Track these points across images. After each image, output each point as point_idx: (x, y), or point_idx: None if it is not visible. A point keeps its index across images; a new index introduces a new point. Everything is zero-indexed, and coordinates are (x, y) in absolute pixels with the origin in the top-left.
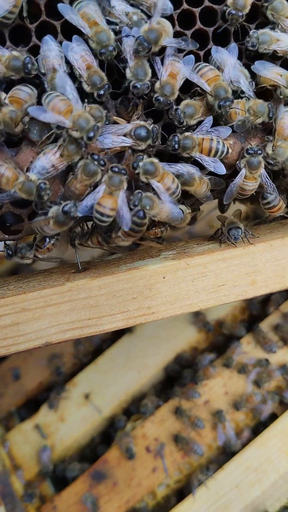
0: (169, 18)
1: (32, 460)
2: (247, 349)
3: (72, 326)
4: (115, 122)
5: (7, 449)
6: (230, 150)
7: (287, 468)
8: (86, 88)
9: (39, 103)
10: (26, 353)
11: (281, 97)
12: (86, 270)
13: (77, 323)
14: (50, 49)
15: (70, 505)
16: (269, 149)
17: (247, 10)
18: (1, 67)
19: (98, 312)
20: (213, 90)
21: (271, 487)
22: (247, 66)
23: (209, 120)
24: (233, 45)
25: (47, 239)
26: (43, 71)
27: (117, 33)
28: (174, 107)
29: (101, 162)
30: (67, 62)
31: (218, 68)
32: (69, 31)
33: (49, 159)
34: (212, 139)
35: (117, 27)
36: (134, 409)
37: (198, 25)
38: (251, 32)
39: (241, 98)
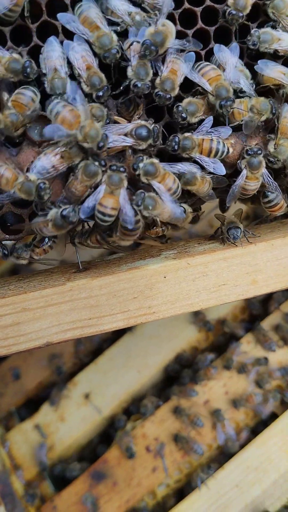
0: (171, 17)
1: (32, 460)
2: (247, 349)
3: (72, 326)
4: (115, 122)
5: (7, 449)
6: (231, 150)
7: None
8: (85, 88)
9: (41, 103)
10: (26, 353)
11: (283, 97)
12: (86, 270)
13: (78, 323)
14: (54, 49)
15: (70, 505)
16: (271, 147)
17: (247, 11)
18: (0, 68)
19: (98, 311)
20: (214, 89)
21: (271, 486)
22: (249, 65)
23: (209, 120)
24: (234, 45)
25: (45, 240)
26: (44, 71)
27: (119, 33)
28: (176, 104)
29: (102, 162)
30: (69, 63)
31: (219, 66)
32: (70, 31)
33: (50, 159)
34: (212, 139)
35: (118, 28)
36: (134, 409)
37: (200, 24)
38: (252, 31)
39: (240, 97)
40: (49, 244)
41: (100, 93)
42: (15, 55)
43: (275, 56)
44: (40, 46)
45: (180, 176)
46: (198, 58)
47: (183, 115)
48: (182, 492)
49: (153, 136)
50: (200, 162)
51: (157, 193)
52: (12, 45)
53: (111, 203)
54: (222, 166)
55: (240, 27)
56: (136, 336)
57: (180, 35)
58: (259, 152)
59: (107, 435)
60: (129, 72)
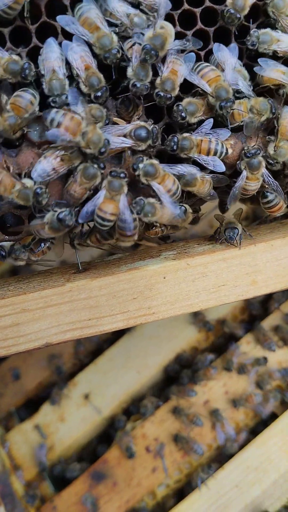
0: (170, 18)
1: (32, 460)
2: (246, 349)
3: (72, 326)
4: (114, 123)
5: (7, 449)
6: (230, 151)
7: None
8: (84, 89)
9: (41, 103)
10: (26, 353)
11: (283, 97)
12: (86, 271)
13: (77, 324)
14: (52, 51)
15: (70, 505)
16: (270, 150)
17: (245, 12)
18: None
19: (98, 312)
20: (214, 91)
21: (271, 486)
22: (248, 66)
23: (209, 122)
24: (233, 45)
25: (42, 243)
26: (42, 72)
27: (119, 33)
28: (177, 103)
29: (101, 165)
30: (67, 64)
31: (218, 66)
32: (70, 32)
33: (50, 162)
34: (210, 140)
35: (117, 29)
36: (134, 409)
37: (199, 25)
38: (252, 31)
39: (238, 98)
40: (47, 245)
41: (99, 94)
42: (14, 57)
43: (274, 57)
44: (39, 47)
45: (180, 177)
46: (198, 58)
47: (183, 114)
48: (182, 492)
49: (152, 137)
50: (199, 161)
51: (156, 194)
52: (12, 46)
53: (110, 209)
54: (222, 163)
55: (240, 28)
56: (135, 337)
57: (179, 36)
58: (258, 152)
59: (107, 435)
60: (129, 72)
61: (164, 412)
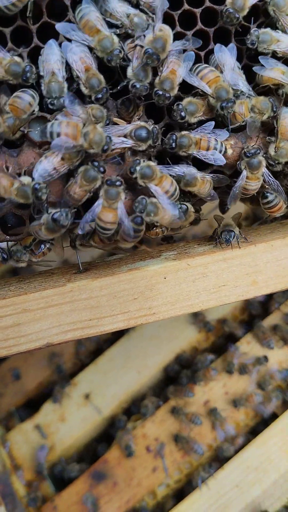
0: (171, 18)
1: (32, 460)
2: (246, 349)
3: (73, 327)
4: (114, 123)
5: (8, 449)
6: (230, 151)
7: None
8: (84, 90)
9: (41, 104)
10: (27, 353)
11: (282, 97)
12: (87, 271)
13: (78, 324)
14: (53, 53)
15: (70, 505)
16: (271, 151)
17: (245, 13)
18: (0, 70)
19: (99, 312)
20: (214, 92)
21: (271, 486)
22: (248, 67)
23: (210, 124)
24: (232, 45)
25: (42, 245)
26: (42, 73)
27: (120, 35)
28: (177, 102)
29: (101, 169)
30: (67, 66)
31: (217, 67)
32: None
33: (51, 162)
34: (209, 139)
35: (118, 30)
36: (135, 409)
37: (199, 25)
38: (252, 30)
39: (238, 97)
40: (47, 246)
41: (100, 95)
42: (16, 58)
43: (273, 58)
44: (40, 47)
45: (179, 179)
46: (198, 59)
47: (182, 113)
48: (182, 492)
49: (153, 137)
50: (199, 157)
51: (155, 197)
52: (13, 46)
53: (110, 218)
54: (221, 156)
55: (240, 28)
56: (136, 337)
57: (180, 37)
58: (258, 152)
59: (107, 435)
60: (129, 72)
61: (164, 412)
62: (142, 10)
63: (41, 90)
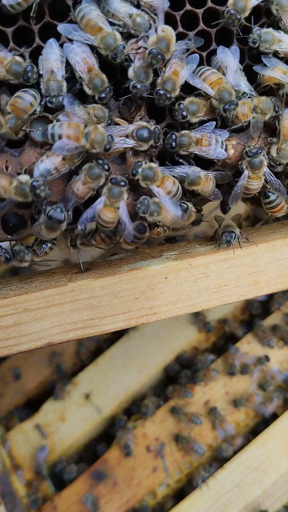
0: (173, 19)
1: (32, 460)
2: (247, 349)
3: (74, 326)
4: (116, 123)
5: (7, 449)
6: (232, 151)
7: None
8: (88, 91)
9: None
10: (27, 353)
11: (283, 97)
12: (88, 271)
13: (79, 324)
14: (53, 52)
15: (70, 505)
16: (273, 152)
17: (246, 14)
18: (1, 69)
19: (100, 312)
20: (217, 93)
21: (271, 486)
22: (250, 67)
23: (211, 124)
24: (234, 48)
25: (44, 245)
26: (41, 72)
27: (122, 33)
28: (178, 101)
29: (105, 167)
30: (68, 65)
31: (219, 68)
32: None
33: (53, 161)
34: (210, 138)
35: (121, 28)
36: (135, 409)
37: (201, 26)
38: (254, 29)
39: (241, 98)
40: (49, 246)
41: (103, 95)
42: (18, 58)
43: (275, 58)
44: (42, 47)
45: (182, 179)
46: (200, 59)
47: (184, 113)
48: (182, 492)
49: (154, 137)
50: (200, 154)
51: (157, 198)
52: (15, 46)
53: (109, 218)
54: (222, 150)
55: (242, 30)
56: (136, 337)
57: (182, 37)
58: (259, 152)
59: (107, 435)
60: (130, 73)
61: (164, 412)
62: (143, 11)
63: (40, 88)
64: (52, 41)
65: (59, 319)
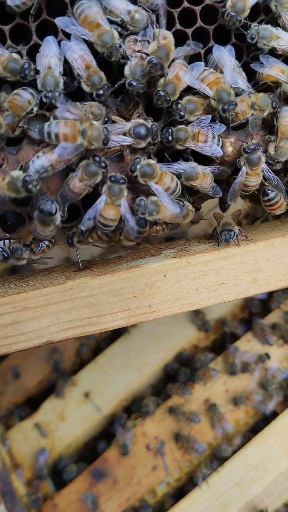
0: (170, 16)
1: (32, 458)
2: (247, 348)
3: (73, 324)
4: (113, 121)
5: (7, 448)
6: (231, 149)
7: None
8: (85, 88)
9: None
10: (27, 351)
11: (280, 96)
12: (87, 269)
13: (78, 322)
14: (50, 49)
15: (70, 503)
16: (271, 150)
17: (246, 14)
18: None
19: (99, 310)
20: (215, 94)
21: (271, 484)
22: (248, 65)
23: (207, 117)
24: (229, 47)
25: (42, 243)
26: (38, 68)
27: (121, 34)
28: (176, 101)
29: (102, 164)
30: (65, 63)
31: (216, 67)
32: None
33: (48, 158)
34: (207, 134)
35: (120, 28)
36: (135, 407)
37: (199, 23)
38: (252, 25)
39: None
40: (46, 244)
41: (101, 92)
42: (15, 55)
43: (272, 55)
44: (39, 45)
45: (180, 174)
46: (198, 57)
47: (181, 113)
48: (182, 490)
49: (152, 134)
50: (196, 150)
51: (155, 194)
52: (12, 44)
53: (111, 215)
54: (219, 147)
55: (240, 27)
56: (136, 335)
57: (179, 34)
58: (257, 148)
59: (107, 433)
60: (126, 71)
61: (164, 411)
62: (140, 7)
63: (36, 85)
64: (50, 38)
65: (58, 317)
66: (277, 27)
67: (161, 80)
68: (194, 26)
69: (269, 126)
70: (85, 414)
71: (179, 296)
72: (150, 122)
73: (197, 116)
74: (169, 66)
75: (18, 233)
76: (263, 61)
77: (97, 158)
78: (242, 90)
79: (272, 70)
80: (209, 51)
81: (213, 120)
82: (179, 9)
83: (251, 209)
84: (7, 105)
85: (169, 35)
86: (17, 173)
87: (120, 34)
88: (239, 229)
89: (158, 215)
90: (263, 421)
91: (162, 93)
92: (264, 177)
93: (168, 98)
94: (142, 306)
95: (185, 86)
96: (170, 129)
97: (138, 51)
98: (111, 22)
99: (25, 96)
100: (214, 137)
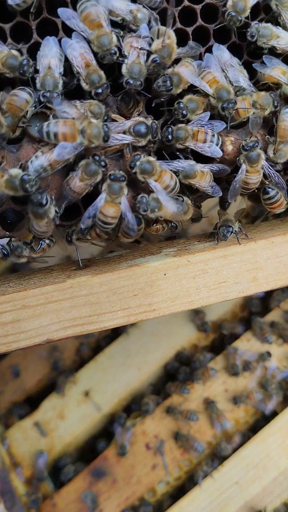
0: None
1: (31, 457)
2: (247, 346)
3: (73, 323)
4: (113, 120)
5: (7, 447)
6: (231, 147)
7: (287, 465)
8: (85, 86)
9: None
10: (26, 350)
11: (281, 97)
12: (87, 267)
13: (78, 320)
14: (51, 49)
15: (69, 502)
16: (270, 152)
17: (246, 14)
18: None
19: (99, 309)
20: (215, 92)
21: (271, 483)
22: (248, 63)
23: (206, 114)
24: (221, 47)
25: (42, 241)
26: (38, 67)
27: (119, 38)
28: (177, 100)
29: (102, 163)
30: (66, 62)
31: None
32: (71, 29)
33: (47, 158)
34: (207, 132)
35: (121, 31)
36: (135, 406)
37: (200, 22)
38: (252, 23)
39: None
40: (46, 242)
41: (99, 90)
42: (14, 52)
43: (272, 54)
44: (40, 43)
45: (178, 172)
46: (198, 57)
47: (184, 112)
48: (182, 489)
49: (152, 132)
50: (196, 149)
51: (154, 192)
52: (12, 42)
53: (111, 212)
54: (218, 148)
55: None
56: (135, 334)
57: (180, 33)
58: (256, 145)
59: (107, 432)
60: (123, 69)
61: (164, 409)
62: (140, 4)
63: (35, 84)
64: (51, 39)
65: (58, 315)
66: (277, 26)
67: (171, 69)
68: (194, 25)
69: (270, 125)
70: (85, 412)
71: (179, 294)
72: (150, 120)
73: (198, 115)
74: (170, 66)
75: (17, 231)
76: (266, 62)
77: (97, 158)
78: (243, 88)
79: (274, 71)
80: (209, 50)
81: (213, 118)
82: (179, 8)
83: (249, 208)
84: (5, 107)
85: (173, 35)
86: (15, 171)
87: (119, 38)
88: (239, 227)
89: (160, 212)
90: (263, 420)
91: (167, 83)
92: (264, 175)
93: (171, 88)
94: (142, 305)
95: (187, 86)
96: (170, 128)
97: (141, 48)
98: (112, 23)
99: (22, 96)
100: (213, 135)
